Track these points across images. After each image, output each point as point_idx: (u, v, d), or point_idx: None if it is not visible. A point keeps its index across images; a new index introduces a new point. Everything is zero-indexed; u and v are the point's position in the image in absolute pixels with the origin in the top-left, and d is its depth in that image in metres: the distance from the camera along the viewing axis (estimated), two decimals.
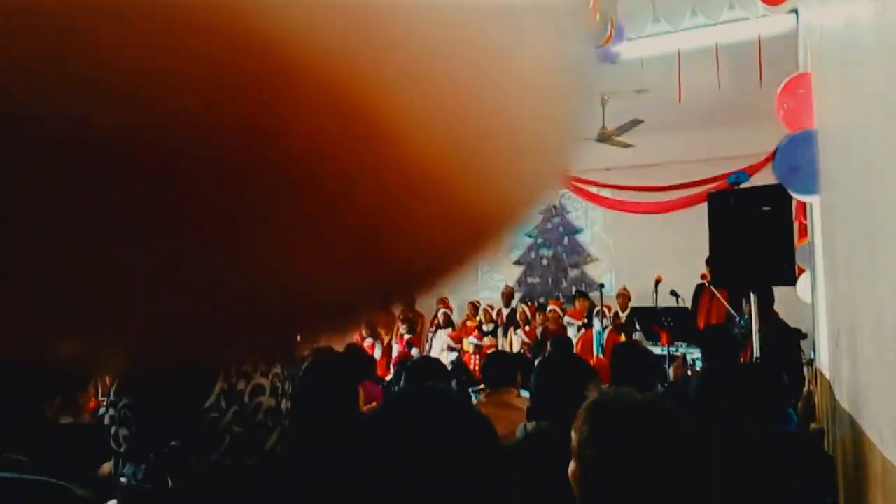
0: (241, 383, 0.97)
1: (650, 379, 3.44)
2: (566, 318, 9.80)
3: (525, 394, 3.37)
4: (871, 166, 1.46)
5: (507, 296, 10.66)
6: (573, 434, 1.40)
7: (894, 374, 1.17)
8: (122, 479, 0.98)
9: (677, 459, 1.31)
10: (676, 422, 1.35)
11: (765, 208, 4.35)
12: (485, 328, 10.31)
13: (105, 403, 0.99)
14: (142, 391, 0.95)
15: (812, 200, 4.35)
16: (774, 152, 4.01)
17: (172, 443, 0.92)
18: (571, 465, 1.40)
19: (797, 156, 3.66)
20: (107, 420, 0.96)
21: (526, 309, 10.20)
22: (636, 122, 8.30)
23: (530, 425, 2.20)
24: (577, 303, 9.86)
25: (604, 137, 8.65)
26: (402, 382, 3.37)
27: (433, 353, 10.16)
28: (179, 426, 0.93)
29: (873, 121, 1.40)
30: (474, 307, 10.63)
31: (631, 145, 8.80)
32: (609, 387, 2.42)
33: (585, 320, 9.52)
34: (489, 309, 10.50)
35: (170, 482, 0.94)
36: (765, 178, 5.28)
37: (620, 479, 1.29)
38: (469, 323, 10.56)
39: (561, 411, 1.89)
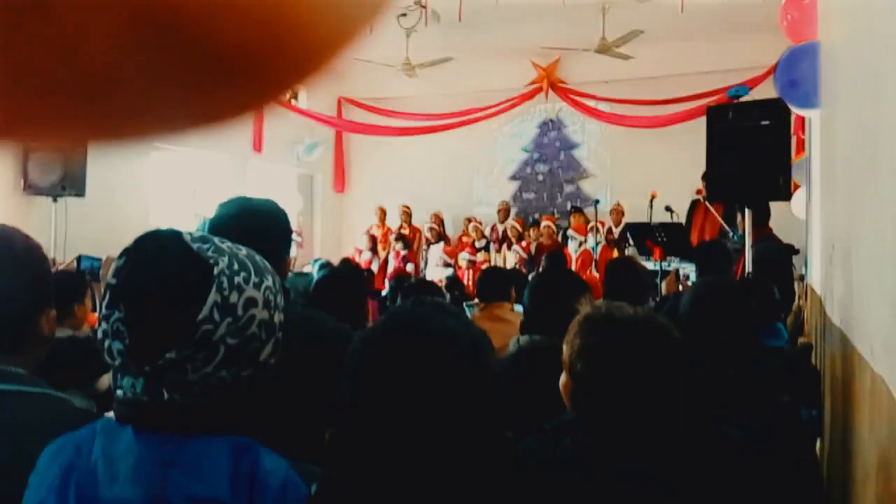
0: (233, 295, 0.96)
1: (642, 294, 3.48)
2: (569, 232, 9.83)
3: (519, 308, 3.41)
4: (876, 80, 1.42)
5: (503, 212, 10.65)
6: (565, 347, 1.41)
7: (890, 292, 1.17)
8: (119, 392, 0.99)
9: (667, 373, 1.33)
10: (667, 336, 1.37)
11: (763, 122, 4.29)
12: (478, 244, 10.36)
13: (98, 317, 0.99)
14: (134, 304, 0.95)
15: (811, 115, 4.29)
16: (775, 65, 3.92)
17: (167, 354, 0.92)
18: (562, 378, 1.43)
19: (798, 69, 3.59)
20: (100, 334, 0.97)
21: (517, 225, 10.22)
22: (637, 33, 8.09)
23: (523, 339, 2.23)
24: (573, 219, 9.87)
25: (603, 48, 8.45)
26: (397, 300, 3.41)
27: (428, 269, 10.24)
28: (174, 338, 0.93)
29: (880, 33, 1.36)
30: (469, 222, 10.65)
31: (630, 57, 8.61)
32: (602, 301, 2.44)
33: (587, 237, 9.56)
34: (479, 225, 10.52)
35: (166, 394, 0.95)
36: (766, 91, 5.20)
37: (610, 392, 1.32)
38: (464, 238, 10.61)
39: (554, 325, 1.91)
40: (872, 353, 1.38)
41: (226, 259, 0.98)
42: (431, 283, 4.58)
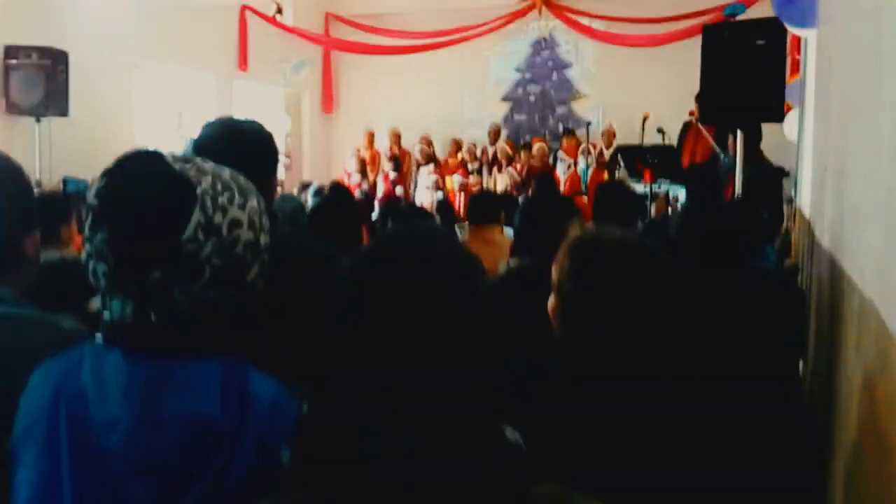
0: (217, 215, 0.95)
1: (631, 217, 3.48)
2: (559, 154, 9.75)
3: (509, 231, 3.41)
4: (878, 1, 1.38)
5: (494, 134, 10.53)
6: (554, 269, 1.42)
7: (884, 215, 1.17)
8: (105, 313, 0.98)
9: (656, 295, 1.34)
10: (655, 257, 1.37)
11: (759, 42, 4.20)
12: (470, 167, 10.28)
13: (80, 240, 0.97)
14: (117, 225, 0.93)
15: (808, 35, 4.21)
16: None
17: (153, 274, 0.92)
18: (551, 300, 1.43)
19: None
20: (84, 256, 0.95)
21: (507, 147, 10.13)
22: None
23: (513, 261, 2.24)
24: (565, 140, 9.77)
25: None
26: (388, 224, 3.40)
27: (418, 192, 10.19)
28: (159, 257, 0.92)
29: None
30: (457, 144, 10.53)
31: None
32: (591, 224, 2.44)
33: (576, 159, 9.48)
34: (473, 147, 10.41)
35: (153, 316, 0.95)
36: (763, 10, 5.08)
37: (599, 314, 1.33)
38: (451, 160, 10.51)
39: (543, 248, 1.91)
40: (863, 276, 1.38)
41: (209, 179, 0.97)
42: (422, 209, 4.56)
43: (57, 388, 0.96)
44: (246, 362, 0.98)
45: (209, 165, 1.00)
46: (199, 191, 0.95)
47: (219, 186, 0.97)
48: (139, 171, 0.96)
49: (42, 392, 0.97)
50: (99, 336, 0.98)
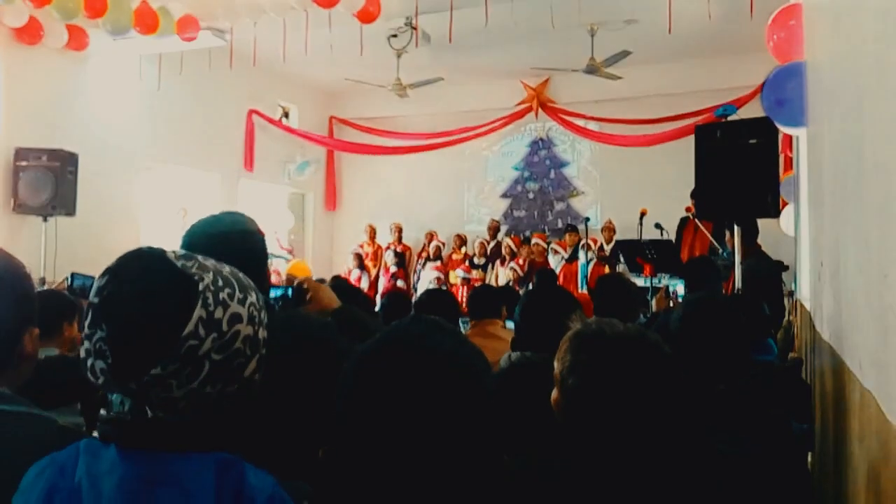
0: (218, 311, 0.96)
1: (632, 309, 3.48)
2: (552, 246, 9.84)
3: (511, 325, 3.41)
4: (859, 98, 1.44)
5: (493, 229, 10.67)
6: (556, 363, 1.41)
7: (876, 307, 1.18)
8: (102, 410, 0.98)
9: (658, 388, 1.33)
10: (658, 352, 1.37)
11: (751, 141, 4.32)
12: (476, 261, 10.36)
13: (81, 337, 0.98)
14: (117, 322, 0.94)
15: (799, 133, 4.33)
16: (762, 85, 3.96)
17: (153, 371, 0.92)
18: (554, 393, 1.42)
19: (785, 88, 3.62)
20: (83, 353, 0.96)
21: (510, 242, 10.24)
22: (625, 54, 8.15)
23: (514, 355, 2.23)
24: (566, 237, 9.88)
25: (592, 69, 8.51)
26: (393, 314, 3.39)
27: (420, 286, 10.22)
28: (158, 354, 0.92)
29: (865, 52, 1.37)
30: (461, 240, 10.66)
31: (619, 77, 8.67)
32: (593, 317, 2.44)
33: (570, 251, 9.56)
34: (485, 243, 10.53)
35: (149, 412, 0.94)
36: (753, 110, 5.24)
37: (601, 408, 1.31)
38: (455, 256, 10.61)
39: (545, 342, 1.91)
40: (861, 368, 1.38)
41: (210, 275, 0.98)
42: (444, 292, 4.45)
43: (51, 486, 0.95)
44: (241, 460, 0.97)
45: (210, 262, 1.02)
46: (201, 287, 0.96)
47: (220, 282, 0.99)
48: (141, 268, 0.98)
49: (35, 491, 0.95)
50: (96, 433, 0.97)
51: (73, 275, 4.29)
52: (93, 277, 0.97)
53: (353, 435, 0.83)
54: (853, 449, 1.49)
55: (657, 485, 1.27)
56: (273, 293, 1.97)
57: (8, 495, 0.97)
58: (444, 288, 9.70)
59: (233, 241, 1.61)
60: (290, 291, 1.99)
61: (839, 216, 1.84)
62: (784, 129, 4.17)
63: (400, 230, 10.84)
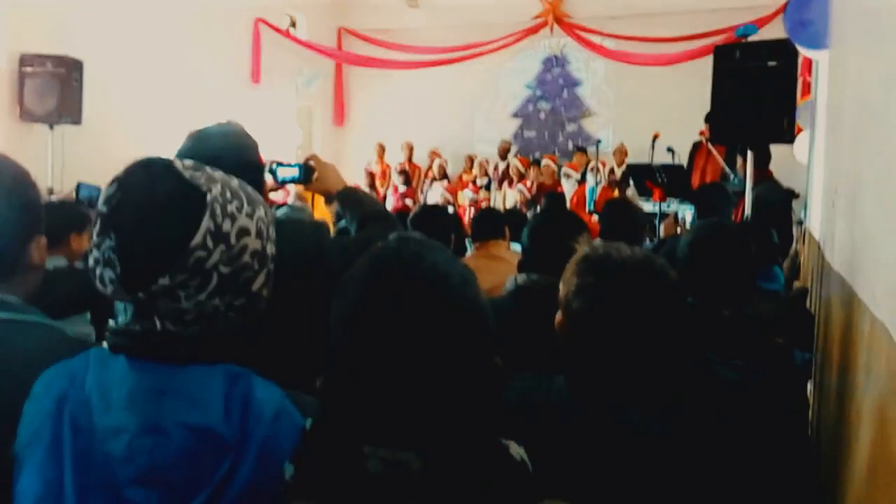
0: (226, 223, 0.95)
1: (637, 235, 3.47)
2: (564, 170, 9.76)
3: (514, 247, 3.40)
4: (889, 22, 1.38)
5: (503, 150, 10.56)
6: (561, 286, 1.41)
7: (895, 234, 1.16)
8: (111, 322, 0.98)
9: (662, 313, 1.33)
10: (663, 276, 1.36)
11: (770, 63, 4.20)
12: (479, 182, 10.30)
13: (90, 246, 0.97)
14: (125, 231, 0.93)
15: (820, 57, 4.21)
16: (785, 4, 3.82)
17: (160, 280, 0.92)
18: (558, 316, 1.43)
19: (808, 9, 3.50)
20: (91, 262, 0.95)
21: (518, 163, 10.15)
22: None
23: (521, 277, 2.23)
24: (575, 157, 9.78)
25: None
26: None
27: None
28: (166, 264, 0.92)
29: None
30: (470, 160, 10.57)
31: None
32: (599, 241, 2.43)
33: (579, 175, 9.49)
34: (485, 163, 10.43)
35: (158, 323, 0.95)
36: (775, 31, 5.08)
37: (605, 331, 1.32)
38: (465, 176, 10.55)
39: (552, 265, 1.91)
40: (874, 298, 1.37)
41: (218, 187, 0.97)
42: (438, 207, 4.41)
43: (61, 394, 0.96)
44: (250, 371, 0.98)
45: (219, 174, 1.00)
46: (209, 198, 0.95)
47: (228, 194, 0.98)
48: (149, 178, 0.96)
49: (46, 398, 0.97)
50: (105, 342, 0.98)
51: (79, 185, 4.28)
52: (99, 188, 0.95)
53: (351, 362, 0.83)
54: (859, 379, 1.50)
55: (656, 408, 1.29)
56: (282, 175, 1.96)
57: (19, 403, 0.99)
58: (451, 209, 9.68)
59: (219, 141, 1.58)
60: (300, 169, 1.98)
61: (860, 143, 1.80)
62: (805, 52, 4.06)
63: (411, 149, 10.72)
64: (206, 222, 0.93)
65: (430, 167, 10.69)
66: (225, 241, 0.95)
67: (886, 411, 1.17)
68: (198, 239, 0.93)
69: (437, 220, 3.43)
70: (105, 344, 0.99)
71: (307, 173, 1.97)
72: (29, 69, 6.54)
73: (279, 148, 9.45)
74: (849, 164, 2.10)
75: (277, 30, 10.09)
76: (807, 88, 6.14)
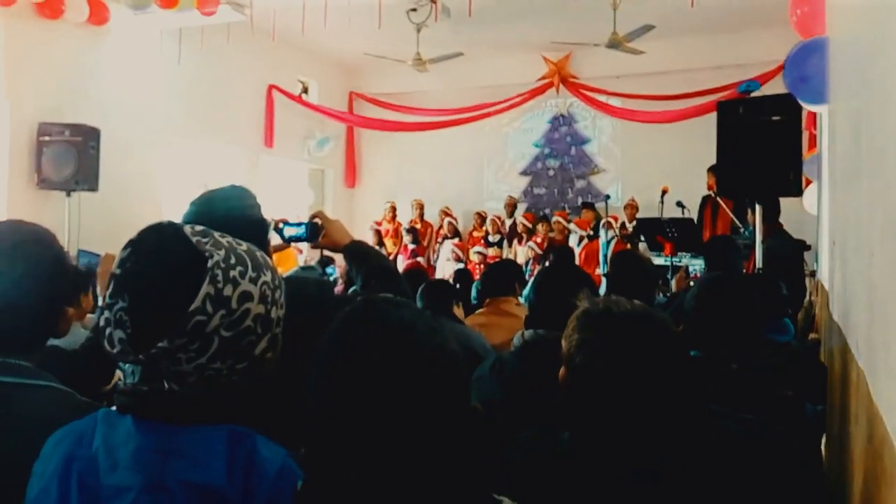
0: (227, 288, 0.98)
1: (647, 286, 3.46)
2: (571, 226, 9.80)
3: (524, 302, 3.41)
4: (864, 76, 1.42)
5: (510, 206, 10.63)
6: (563, 341, 1.42)
7: (869, 287, 1.17)
8: (119, 383, 1.01)
9: (665, 367, 1.33)
10: (665, 330, 1.37)
11: (774, 118, 4.26)
12: (491, 239, 10.35)
13: (100, 307, 1.00)
14: (136, 294, 0.96)
15: (821, 110, 4.26)
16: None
17: (160, 343, 0.94)
18: (562, 371, 1.43)
19: (807, 64, 3.56)
20: (101, 322, 0.98)
21: (524, 220, 10.21)
22: (648, 28, 8.03)
23: (528, 333, 2.24)
24: (583, 213, 9.83)
25: (614, 43, 8.39)
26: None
27: (439, 264, 10.25)
28: (167, 328, 0.94)
29: (870, 29, 1.35)
30: (481, 217, 10.64)
31: (642, 52, 8.55)
32: (602, 296, 2.44)
33: (591, 231, 9.51)
34: (497, 220, 10.50)
35: (165, 384, 0.97)
36: (777, 87, 5.16)
37: (608, 386, 1.32)
38: (475, 233, 10.60)
39: (558, 319, 1.92)
40: (857, 347, 1.38)
41: (222, 252, 1.00)
42: (444, 283, 4.47)
43: (69, 454, 0.98)
44: (253, 432, 0.99)
45: (227, 240, 1.03)
46: (210, 263, 0.97)
47: (232, 260, 1.00)
48: (159, 242, 1.00)
49: (54, 457, 0.99)
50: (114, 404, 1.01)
51: (80, 251, 4.35)
52: (97, 255, 0.99)
53: (331, 423, 0.85)
54: (852, 429, 1.49)
55: (661, 464, 1.28)
56: (289, 233, 1.98)
57: (29, 462, 1.01)
58: (462, 265, 9.71)
59: (232, 222, 1.60)
60: (306, 228, 1.99)
61: (846, 196, 1.83)
62: (806, 106, 4.11)
63: (421, 207, 10.82)
64: (206, 287, 0.96)
65: (441, 225, 10.77)
66: (226, 305, 0.97)
67: (864, 462, 1.16)
68: (197, 303, 0.95)
69: (440, 293, 3.40)
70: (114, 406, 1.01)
71: (313, 231, 1.99)
72: (47, 138, 6.71)
73: (292, 210, 9.57)
74: (839, 215, 2.13)
75: (290, 95, 10.33)
76: (813, 141, 6.19)
